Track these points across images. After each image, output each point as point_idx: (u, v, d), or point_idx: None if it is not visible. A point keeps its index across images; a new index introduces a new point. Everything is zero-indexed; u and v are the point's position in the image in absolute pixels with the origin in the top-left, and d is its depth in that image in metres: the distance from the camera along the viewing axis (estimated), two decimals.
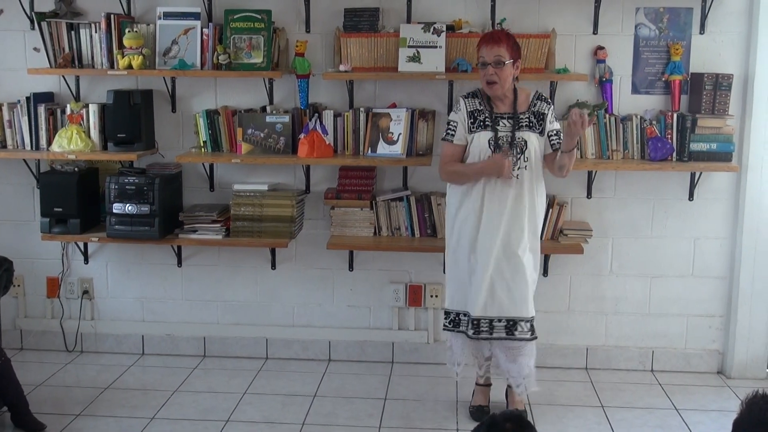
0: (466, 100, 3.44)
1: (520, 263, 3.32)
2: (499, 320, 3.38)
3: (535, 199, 3.35)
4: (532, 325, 3.40)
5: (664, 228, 4.13)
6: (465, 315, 3.43)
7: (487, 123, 3.34)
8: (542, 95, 3.42)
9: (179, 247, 4.26)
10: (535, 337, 3.43)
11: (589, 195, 4.11)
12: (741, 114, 3.99)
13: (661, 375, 4.16)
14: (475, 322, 3.40)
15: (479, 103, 3.42)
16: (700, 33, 3.97)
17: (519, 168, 3.29)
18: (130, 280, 4.36)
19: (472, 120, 3.40)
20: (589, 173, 4.06)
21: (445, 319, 3.53)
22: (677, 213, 4.11)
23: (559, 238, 3.98)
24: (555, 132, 3.39)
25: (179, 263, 4.32)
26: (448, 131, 3.43)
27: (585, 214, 4.11)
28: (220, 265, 4.32)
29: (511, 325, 3.37)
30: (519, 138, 3.29)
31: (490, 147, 3.31)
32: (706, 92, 3.84)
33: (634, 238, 4.14)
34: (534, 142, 3.31)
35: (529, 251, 3.36)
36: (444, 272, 4.02)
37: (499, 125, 3.33)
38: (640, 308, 4.20)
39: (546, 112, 3.34)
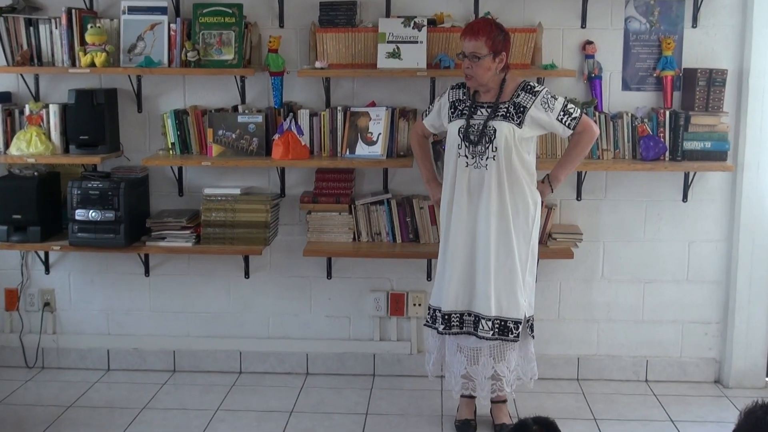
0: (452, 90, 3.50)
1: (485, 259, 3.33)
2: (469, 314, 3.40)
3: (505, 189, 3.32)
4: (494, 324, 3.37)
5: (657, 231, 4.15)
6: (439, 311, 3.46)
7: (464, 112, 3.37)
8: (529, 85, 3.39)
9: (146, 256, 4.24)
10: (497, 339, 3.39)
11: (578, 197, 4.14)
12: (736, 111, 4.02)
13: (656, 385, 4.19)
14: (446, 317, 3.42)
15: (463, 93, 3.47)
16: (693, 26, 3.99)
17: (487, 158, 3.31)
18: (94, 291, 4.34)
19: (452, 110, 3.46)
20: (579, 174, 4.07)
21: (427, 314, 3.57)
22: (671, 215, 4.14)
23: (548, 243, 3.98)
24: (562, 111, 3.36)
25: (147, 272, 4.30)
26: (426, 110, 3.61)
27: (575, 217, 4.13)
28: (190, 274, 4.31)
29: (476, 321, 3.38)
30: (490, 126, 3.31)
31: (459, 135, 3.34)
32: (700, 88, 3.86)
33: (626, 242, 4.16)
34: (505, 132, 3.30)
35: (497, 247, 3.34)
36: (427, 279, 4.17)
37: (476, 114, 3.35)
38: (633, 315, 4.22)
39: (528, 105, 3.33)
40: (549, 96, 3.37)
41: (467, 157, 3.38)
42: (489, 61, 3.33)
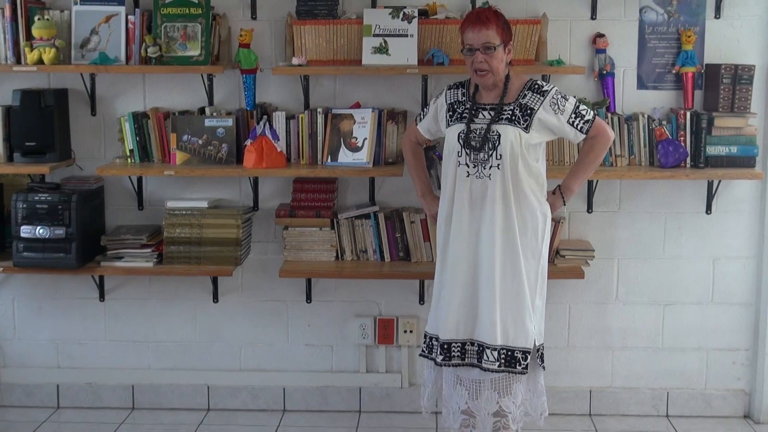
0: (449, 90, 3.44)
1: (489, 280, 3.27)
2: (471, 344, 3.34)
3: (511, 202, 3.26)
4: (500, 354, 3.28)
5: (678, 247, 4.09)
6: (437, 339, 3.39)
7: (464, 115, 3.33)
8: (536, 84, 3.30)
9: (101, 278, 4.17)
10: (503, 371, 3.29)
11: (589, 209, 4.06)
12: (765, 112, 3.97)
13: (678, 421, 4.12)
14: (445, 346, 3.34)
15: (462, 94, 3.41)
16: (716, 17, 3.93)
17: (490, 167, 3.25)
18: (42, 319, 4.26)
19: (451, 113, 3.39)
20: (590, 183, 3.99)
21: (423, 343, 3.49)
22: (693, 229, 4.07)
23: (556, 261, 3.91)
24: (573, 114, 3.29)
25: (102, 297, 4.21)
26: (420, 114, 3.57)
27: (585, 231, 4.07)
28: (151, 299, 4.23)
29: (480, 351, 3.31)
30: (493, 131, 3.25)
31: (459, 142, 3.28)
32: (724, 86, 3.79)
33: (644, 259, 4.10)
34: (510, 137, 3.23)
35: (502, 267, 3.26)
36: (420, 302, 4.11)
37: (477, 118, 3.31)
38: (651, 342, 4.16)
39: (535, 107, 3.25)
40: (559, 96, 3.28)
41: (468, 166, 3.29)
42: (501, 51, 3.26)
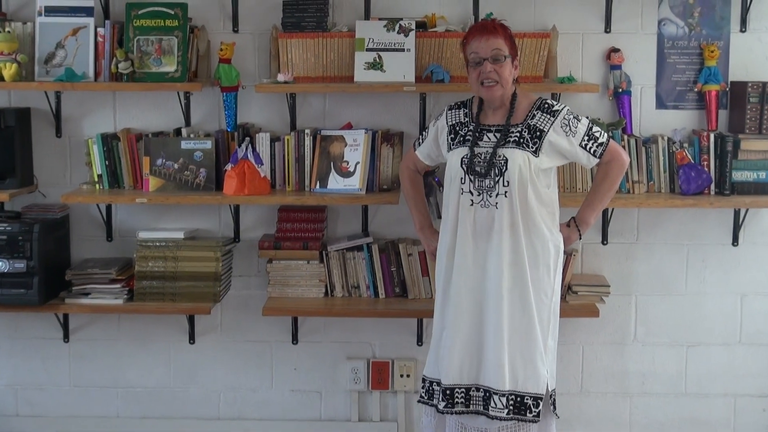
0: (450, 111, 3.40)
1: (497, 318, 3.21)
2: (477, 389, 3.28)
3: (520, 233, 3.21)
4: (509, 401, 3.23)
5: (701, 281, 4.03)
6: (438, 384, 3.34)
7: (467, 138, 3.29)
8: (546, 103, 3.27)
9: (66, 316, 4.08)
10: (512, 419, 3.23)
11: (604, 240, 3.99)
12: None
13: None
14: (447, 392, 3.29)
15: (465, 114, 3.36)
16: (741, 30, 3.88)
17: (497, 195, 3.21)
18: (0, 361, 4.16)
19: (452, 135, 3.35)
20: (605, 212, 3.92)
21: (421, 388, 3.43)
22: (718, 262, 4.01)
23: (568, 297, 3.85)
24: (586, 137, 3.24)
25: (66, 337, 4.12)
26: (418, 138, 3.52)
27: (600, 265, 4.02)
28: (120, 339, 4.15)
29: (487, 397, 3.26)
30: (500, 156, 3.20)
31: (462, 167, 3.23)
32: (751, 106, 3.75)
33: (664, 296, 4.04)
34: (519, 162, 3.19)
35: (511, 304, 3.21)
36: (418, 343, 4.04)
37: (482, 140, 3.26)
38: (673, 387, 4.08)
39: (546, 129, 3.21)
40: (571, 117, 3.23)
41: (472, 194, 3.24)
42: (510, 64, 3.22)
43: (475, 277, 3.26)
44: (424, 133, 3.49)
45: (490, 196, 3.21)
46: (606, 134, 3.30)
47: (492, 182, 3.20)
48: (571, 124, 3.22)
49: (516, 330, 3.22)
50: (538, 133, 3.21)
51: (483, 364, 3.26)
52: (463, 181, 3.24)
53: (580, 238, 3.41)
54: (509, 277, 3.21)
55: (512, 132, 3.23)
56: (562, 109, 3.24)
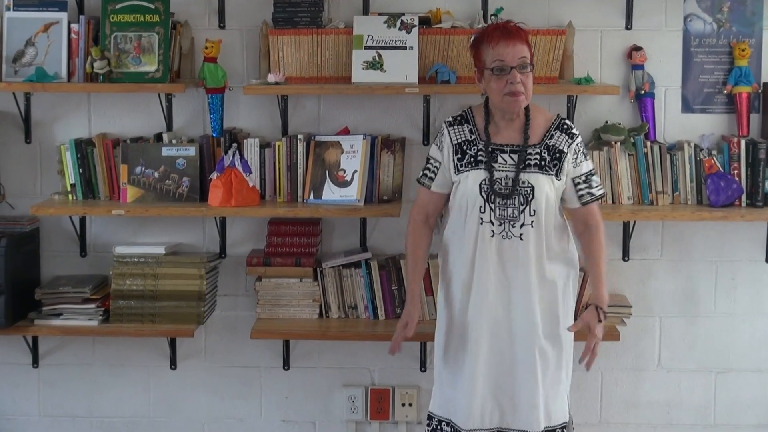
0: (451, 128, 3.24)
1: (528, 355, 3.14)
2: None
3: (545, 264, 3.13)
4: None
5: (732, 302, 3.95)
6: (448, 424, 3.24)
7: (480, 159, 3.15)
8: (566, 124, 3.19)
9: (35, 339, 3.99)
10: None
11: (625, 256, 3.90)
12: None
13: None
14: None
15: (470, 131, 3.21)
16: None
17: (522, 225, 3.11)
18: None
19: (459, 155, 3.19)
20: (626, 225, 3.85)
21: (427, 426, 3.33)
22: (750, 280, 3.93)
23: None
24: (584, 177, 3.18)
25: (35, 362, 4.02)
26: (425, 172, 3.30)
27: (621, 283, 3.94)
28: (95, 364, 4.06)
29: None
30: (524, 182, 3.10)
31: (482, 194, 3.10)
32: None
33: (691, 317, 3.97)
34: (545, 189, 3.11)
35: (544, 338, 3.16)
36: (421, 369, 3.95)
37: (497, 162, 3.13)
38: (701, 417, 4.01)
39: (565, 150, 3.13)
40: (582, 149, 3.16)
41: (493, 224, 3.12)
42: (532, 73, 3.14)
43: (497, 312, 3.17)
44: (428, 165, 3.31)
45: (513, 227, 3.12)
46: (603, 189, 3.26)
47: (516, 212, 3.11)
48: (579, 156, 3.16)
49: (548, 366, 3.17)
50: (557, 155, 3.14)
51: (514, 405, 3.19)
52: (482, 210, 3.13)
53: (606, 319, 3.27)
54: (540, 312, 3.15)
55: (531, 154, 3.15)
56: (578, 135, 3.18)
